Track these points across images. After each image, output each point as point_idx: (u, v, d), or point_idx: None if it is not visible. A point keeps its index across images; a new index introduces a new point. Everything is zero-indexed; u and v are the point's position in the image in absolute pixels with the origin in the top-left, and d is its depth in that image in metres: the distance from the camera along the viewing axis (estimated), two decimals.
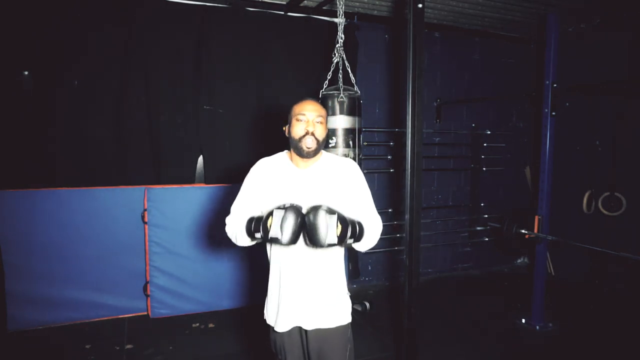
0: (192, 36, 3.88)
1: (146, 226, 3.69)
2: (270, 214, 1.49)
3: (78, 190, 3.62)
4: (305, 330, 1.73)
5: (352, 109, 3.13)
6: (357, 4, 4.22)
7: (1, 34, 3.36)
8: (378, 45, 4.69)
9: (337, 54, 3.05)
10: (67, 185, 3.61)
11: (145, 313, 3.79)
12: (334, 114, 3.02)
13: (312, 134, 1.67)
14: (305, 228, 1.49)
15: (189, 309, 3.83)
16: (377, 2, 4.19)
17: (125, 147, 3.80)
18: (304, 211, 1.52)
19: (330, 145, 3.05)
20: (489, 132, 5.21)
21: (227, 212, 1.80)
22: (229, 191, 3.72)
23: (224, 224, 1.78)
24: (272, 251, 1.75)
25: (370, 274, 4.81)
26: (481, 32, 5.09)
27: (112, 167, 3.78)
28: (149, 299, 3.75)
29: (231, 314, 3.87)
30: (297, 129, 1.68)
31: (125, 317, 3.74)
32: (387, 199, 4.73)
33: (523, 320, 3.76)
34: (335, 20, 3.35)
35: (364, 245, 1.65)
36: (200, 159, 4.11)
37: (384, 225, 1.75)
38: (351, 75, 3.16)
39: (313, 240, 1.48)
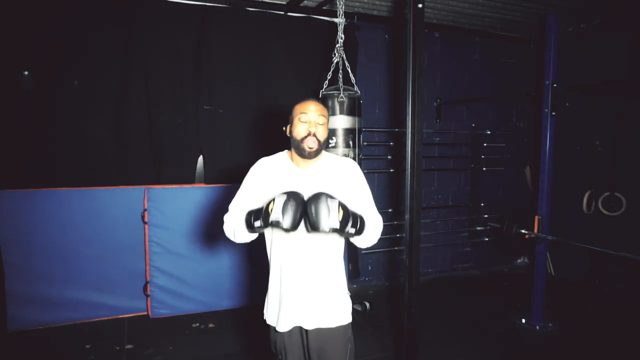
0: (192, 36, 3.88)
1: (146, 226, 3.69)
2: (272, 200, 1.50)
3: (78, 190, 3.62)
4: (306, 330, 1.73)
5: (352, 109, 3.13)
6: (357, 4, 4.22)
7: (1, 34, 3.36)
8: (378, 45, 4.69)
9: (337, 54, 3.05)
10: (67, 185, 3.61)
11: (145, 313, 3.79)
12: (334, 114, 3.02)
13: (314, 135, 1.67)
14: (307, 214, 1.48)
15: (189, 309, 3.83)
16: (377, 2, 4.19)
17: (125, 147, 3.80)
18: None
19: (330, 145, 3.05)
20: (489, 132, 5.22)
21: (227, 212, 1.80)
22: (229, 191, 3.71)
23: (224, 228, 1.77)
24: (273, 251, 1.75)
25: (370, 274, 4.81)
26: (481, 32, 5.09)
27: (112, 167, 3.78)
28: (149, 299, 3.75)
29: (231, 314, 3.87)
30: (299, 130, 1.68)
31: (125, 317, 3.74)
32: (387, 199, 4.73)
33: (523, 320, 3.76)
34: (335, 20, 3.35)
35: (364, 240, 1.64)
36: (200, 159, 4.11)
37: (384, 225, 1.75)
38: (351, 75, 3.16)
39: (315, 225, 1.46)
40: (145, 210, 3.68)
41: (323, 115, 1.71)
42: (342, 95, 3.06)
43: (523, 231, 3.86)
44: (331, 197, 1.49)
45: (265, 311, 1.80)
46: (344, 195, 1.69)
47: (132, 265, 3.75)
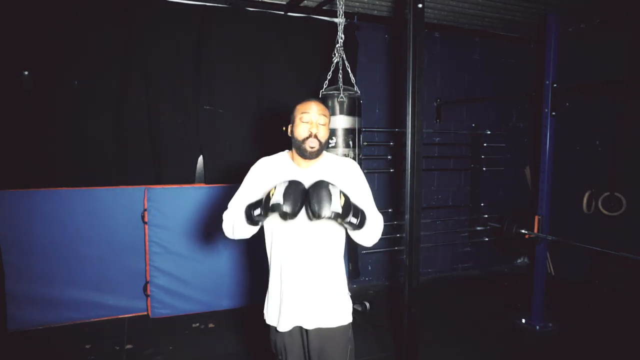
0: (192, 36, 3.88)
1: (146, 226, 3.69)
2: (274, 187, 1.49)
3: (78, 190, 3.62)
4: (306, 330, 1.73)
5: (352, 109, 3.13)
6: (357, 4, 4.22)
7: (1, 34, 3.36)
8: (378, 45, 4.69)
9: (337, 54, 3.05)
10: (67, 185, 3.61)
11: (145, 313, 3.79)
12: (334, 114, 3.02)
13: (315, 136, 1.67)
14: (309, 202, 1.46)
15: (189, 309, 3.83)
16: (377, 2, 4.19)
17: (125, 147, 3.80)
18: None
19: (330, 145, 3.05)
20: (489, 132, 5.22)
21: (226, 210, 1.79)
22: (229, 191, 3.69)
23: (223, 230, 1.76)
24: (273, 249, 1.74)
25: (370, 274, 4.81)
26: (481, 32, 5.09)
27: (112, 167, 3.78)
28: (149, 299, 3.75)
29: (231, 314, 3.87)
30: (300, 130, 1.68)
31: (125, 317, 3.74)
32: (387, 199, 4.73)
33: (523, 320, 3.76)
34: (335, 20, 3.35)
35: (366, 236, 1.63)
36: (200, 159, 4.11)
37: (384, 225, 1.75)
38: (351, 75, 3.16)
39: (317, 210, 1.44)
40: (145, 210, 3.68)
41: (324, 116, 1.71)
42: (342, 95, 3.06)
43: (523, 231, 3.86)
44: (332, 185, 1.49)
45: (265, 311, 1.80)
46: None
47: (132, 265, 3.75)
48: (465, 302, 4.33)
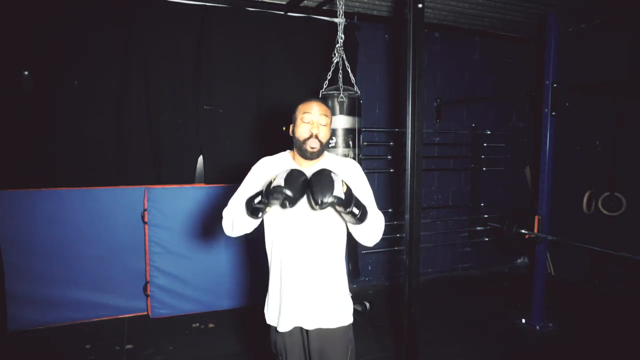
0: (192, 36, 3.88)
1: (146, 226, 3.69)
2: (275, 175, 1.49)
3: (78, 190, 3.62)
4: (307, 331, 1.73)
5: (352, 109, 3.13)
6: (357, 4, 4.22)
7: (1, 34, 3.36)
8: (378, 45, 4.69)
9: (337, 54, 3.05)
10: (67, 185, 3.61)
11: (145, 313, 3.79)
12: (333, 114, 3.03)
13: (316, 137, 1.67)
14: (311, 190, 1.44)
15: (189, 309, 3.83)
16: (377, 2, 4.19)
17: (125, 147, 3.80)
18: (306, 207, 1.52)
19: (330, 146, 3.05)
20: (489, 132, 5.22)
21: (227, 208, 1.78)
22: (229, 191, 3.68)
23: (223, 227, 1.75)
24: (273, 248, 1.74)
25: (370, 274, 4.81)
26: (481, 32, 5.09)
27: (112, 167, 3.78)
28: (149, 299, 3.75)
29: (231, 314, 3.87)
30: (301, 130, 1.68)
31: (125, 317, 3.74)
32: (387, 199, 4.73)
33: (523, 320, 3.76)
34: (335, 20, 3.35)
35: (367, 231, 1.61)
36: (200, 159, 4.11)
37: (384, 225, 1.74)
38: (351, 75, 3.16)
39: (319, 195, 1.41)
40: (145, 210, 3.68)
41: (326, 116, 1.71)
42: (342, 95, 3.06)
43: (523, 231, 3.86)
44: (334, 173, 1.48)
45: (265, 311, 1.79)
46: None
47: (132, 265, 3.75)
48: (465, 302, 4.33)
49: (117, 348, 3.25)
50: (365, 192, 1.71)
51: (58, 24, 3.50)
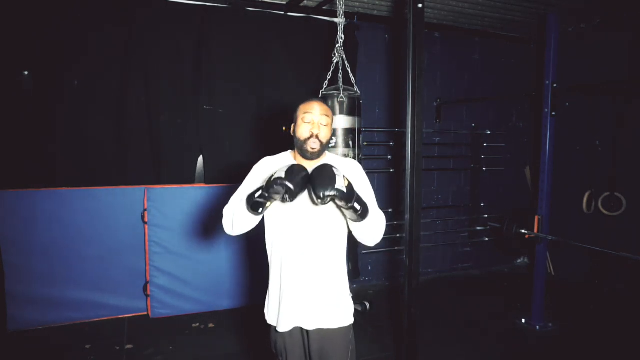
0: (192, 36, 3.88)
1: (146, 226, 3.69)
2: (276, 170, 1.49)
3: (78, 190, 3.62)
4: (307, 331, 1.73)
5: (352, 109, 3.13)
6: (357, 4, 4.22)
7: (1, 34, 3.36)
8: (378, 45, 4.69)
9: (337, 54, 3.05)
10: (67, 185, 3.61)
11: (145, 313, 3.79)
12: (333, 114, 3.02)
13: (317, 137, 1.66)
14: (312, 184, 1.44)
15: (189, 309, 3.83)
16: (377, 2, 4.19)
17: (125, 147, 3.80)
18: (307, 205, 1.52)
19: (330, 146, 3.05)
20: (489, 132, 5.22)
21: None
22: (229, 191, 3.68)
23: (223, 225, 1.75)
24: (274, 247, 1.73)
25: (370, 274, 4.81)
26: (481, 32, 5.09)
27: (112, 167, 3.78)
28: (149, 299, 3.75)
29: (231, 314, 3.87)
30: (302, 130, 1.68)
31: (125, 317, 3.74)
32: (387, 199, 4.73)
33: (523, 320, 3.75)
34: (335, 20, 3.35)
35: (368, 230, 1.60)
36: (200, 159, 4.11)
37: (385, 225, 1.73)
38: (351, 75, 3.16)
39: (321, 188, 1.41)
40: (145, 210, 3.68)
41: (327, 116, 1.70)
42: (342, 95, 3.06)
43: (523, 231, 3.86)
44: (336, 168, 1.48)
45: (265, 310, 1.79)
46: None
47: (132, 265, 3.75)
48: (465, 302, 4.33)
49: (117, 348, 3.25)
50: (366, 191, 1.71)
51: (58, 24, 3.50)
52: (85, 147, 3.68)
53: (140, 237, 3.73)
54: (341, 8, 3.08)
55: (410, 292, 2.39)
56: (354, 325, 1.80)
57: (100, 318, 3.67)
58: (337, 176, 1.44)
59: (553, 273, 5.14)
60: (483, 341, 3.48)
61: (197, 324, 3.69)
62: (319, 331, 1.71)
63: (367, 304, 3.99)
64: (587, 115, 4.80)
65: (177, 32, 3.83)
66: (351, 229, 1.66)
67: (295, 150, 1.74)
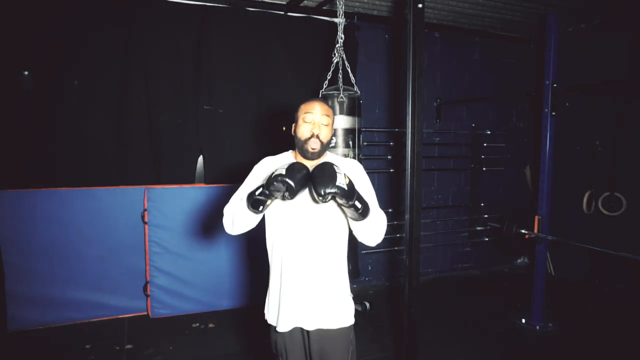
0: (192, 36, 3.88)
1: (146, 226, 3.69)
2: (277, 169, 1.49)
3: (78, 190, 3.62)
4: (307, 331, 1.72)
5: (352, 109, 3.13)
6: (357, 4, 4.22)
7: (1, 34, 3.36)
8: (378, 45, 4.69)
9: (337, 54, 3.05)
10: (67, 185, 3.61)
11: (145, 313, 3.79)
12: (334, 114, 3.02)
13: (317, 137, 1.66)
14: (314, 182, 1.44)
15: (189, 309, 3.83)
16: (377, 2, 4.19)
17: (125, 147, 3.80)
18: (308, 205, 1.52)
19: (330, 146, 3.05)
20: (489, 132, 5.21)
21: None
22: (229, 191, 3.68)
23: (223, 225, 1.75)
24: (274, 246, 1.73)
25: (370, 274, 4.81)
26: (481, 32, 5.09)
27: (112, 167, 3.78)
28: (149, 299, 3.75)
29: (231, 314, 3.87)
30: (302, 130, 1.68)
31: (125, 317, 3.74)
32: (387, 199, 4.73)
33: (523, 320, 3.75)
34: (335, 20, 3.35)
35: (369, 229, 1.60)
36: (200, 159, 4.11)
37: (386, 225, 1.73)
38: (351, 75, 3.16)
39: (322, 185, 1.41)
40: (145, 210, 3.68)
41: (327, 116, 1.70)
42: (342, 95, 3.06)
43: (523, 231, 3.86)
44: (337, 166, 1.48)
45: (266, 310, 1.78)
46: None
47: (132, 265, 3.75)
48: (465, 302, 4.33)
49: (117, 348, 3.25)
50: (367, 191, 1.71)
51: (58, 24, 3.50)
52: (85, 147, 3.68)
53: (140, 237, 3.73)
54: (341, 8, 3.08)
55: (410, 292, 2.39)
56: (354, 325, 1.80)
57: (100, 318, 3.67)
58: (338, 174, 1.44)
59: (553, 273, 5.14)
60: (483, 341, 3.48)
61: (197, 324, 3.69)
62: (319, 331, 1.70)
63: (367, 304, 3.99)
64: (587, 115, 4.80)
65: (177, 32, 3.83)
66: (352, 228, 1.66)
67: (296, 150, 1.74)
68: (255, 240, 3.70)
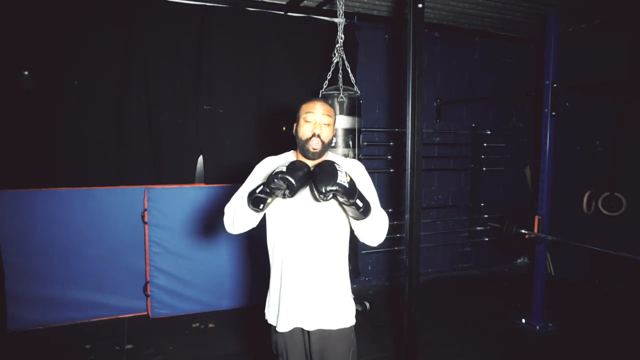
0: (192, 36, 3.88)
1: (146, 226, 3.69)
2: (278, 167, 1.49)
3: (78, 190, 3.62)
4: (308, 332, 1.72)
5: (352, 109, 3.13)
6: (357, 4, 4.22)
7: (1, 34, 3.36)
8: (378, 45, 4.69)
9: (337, 54, 3.05)
10: (67, 185, 3.61)
11: (145, 313, 3.79)
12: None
13: (318, 136, 1.66)
14: (315, 180, 1.43)
15: (189, 309, 3.83)
16: (377, 2, 4.19)
17: (125, 147, 3.80)
18: (309, 204, 1.52)
19: (331, 146, 3.05)
20: (489, 132, 5.21)
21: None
22: (229, 191, 3.69)
23: (224, 224, 1.74)
24: (275, 245, 1.73)
25: (370, 274, 4.81)
26: (481, 32, 5.09)
27: (112, 167, 3.79)
28: (149, 299, 3.75)
29: (231, 314, 3.87)
30: (304, 130, 1.68)
31: (125, 317, 3.74)
32: (387, 199, 4.73)
33: (523, 320, 3.75)
34: (335, 20, 3.35)
35: (371, 228, 1.59)
36: (200, 159, 4.11)
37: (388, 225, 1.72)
38: (351, 75, 3.16)
39: (322, 183, 1.40)
40: (145, 210, 3.68)
41: (329, 116, 1.70)
42: (342, 95, 3.06)
43: (523, 231, 3.86)
44: (338, 164, 1.48)
45: (266, 310, 1.78)
46: None
47: (132, 265, 3.75)
48: (465, 302, 4.33)
49: (117, 348, 3.25)
50: (369, 191, 1.71)
51: (58, 24, 3.50)
52: (85, 147, 3.68)
53: (140, 237, 3.73)
54: (341, 8, 3.09)
55: (410, 292, 2.39)
56: (355, 325, 1.79)
57: (100, 318, 3.67)
58: (339, 172, 1.43)
59: (553, 273, 5.14)
60: (483, 341, 3.48)
61: (197, 324, 3.69)
62: (320, 332, 1.70)
63: (367, 304, 3.99)
64: (587, 115, 4.80)
65: (177, 32, 3.83)
66: (354, 228, 1.66)
67: (298, 150, 1.74)
68: (255, 240, 3.70)
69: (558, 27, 3.58)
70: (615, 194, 4.45)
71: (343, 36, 3.05)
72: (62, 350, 3.21)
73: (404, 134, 2.38)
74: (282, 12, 4.15)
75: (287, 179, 1.42)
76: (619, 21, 4.48)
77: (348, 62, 3.07)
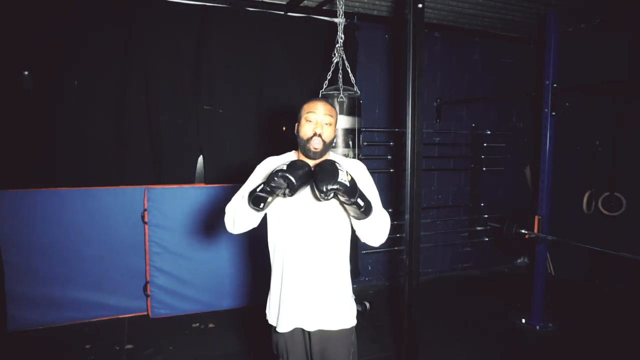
0: (192, 36, 3.88)
1: (146, 226, 3.69)
2: (278, 165, 1.49)
3: (78, 190, 3.62)
4: (309, 332, 1.72)
5: (352, 109, 3.13)
6: (357, 4, 4.22)
7: (1, 34, 3.36)
8: (378, 45, 4.69)
9: (337, 54, 3.05)
10: (67, 185, 3.61)
11: (145, 313, 3.79)
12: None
13: (320, 136, 1.66)
14: (315, 179, 1.43)
15: (189, 309, 3.83)
16: (377, 2, 4.19)
17: (125, 147, 3.80)
18: (310, 204, 1.52)
19: (332, 146, 3.05)
20: (489, 132, 5.22)
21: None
22: (229, 191, 3.70)
23: (224, 224, 1.74)
24: (276, 245, 1.73)
25: (370, 274, 4.81)
26: (481, 32, 5.09)
27: (112, 167, 3.79)
28: (149, 299, 3.75)
29: (231, 314, 3.87)
30: (305, 130, 1.67)
31: (125, 317, 3.74)
32: (387, 199, 4.73)
33: (523, 320, 3.75)
34: (335, 20, 3.35)
35: (372, 228, 1.59)
36: (200, 159, 4.11)
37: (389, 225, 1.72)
38: (351, 75, 3.16)
39: (323, 182, 1.40)
40: (145, 210, 3.68)
41: (330, 115, 1.70)
42: (342, 95, 3.06)
43: (523, 231, 3.86)
44: (339, 163, 1.47)
45: (267, 310, 1.78)
46: None
47: (132, 265, 3.75)
48: (465, 302, 4.33)
49: (117, 348, 3.25)
50: (371, 191, 1.71)
51: (58, 24, 3.50)
52: (85, 147, 3.68)
53: (140, 237, 3.73)
54: (341, 8, 3.09)
55: (410, 292, 2.39)
56: (355, 326, 1.79)
57: (100, 318, 3.67)
58: (340, 171, 1.43)
59: (553, 273, 5.14)
60: (483, 341, 3.48)
61: (197, 324, 3.69)
62: (320, 332, 1.70)
63: (367, 304, 3.99)
64: (587, 115, 4.80)
65: (177, 32, 3.83)
66: (355, 228, 1.65)
67: (299, 150, 1.74)
68: (256, 240, 3.71)
69: (558, 27, 3.58)
70: (615, 194, 4.45)
71: (343, 36, 3.05)
72: (62, 350, 3.21)
73: (404, 134, 2.38)
74: (282, 12, 4.15)
75: (288, 177, 1.42)
76: (619, 21, 4.48)
77: (348, 62, 3.07)
